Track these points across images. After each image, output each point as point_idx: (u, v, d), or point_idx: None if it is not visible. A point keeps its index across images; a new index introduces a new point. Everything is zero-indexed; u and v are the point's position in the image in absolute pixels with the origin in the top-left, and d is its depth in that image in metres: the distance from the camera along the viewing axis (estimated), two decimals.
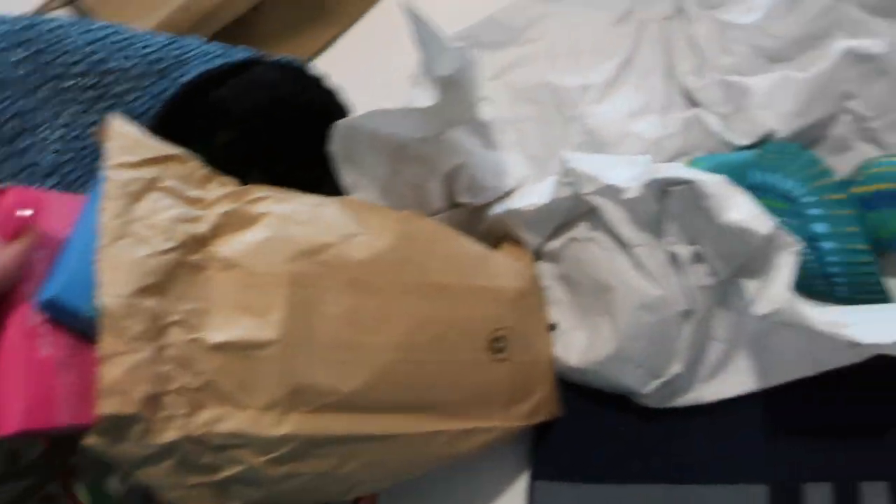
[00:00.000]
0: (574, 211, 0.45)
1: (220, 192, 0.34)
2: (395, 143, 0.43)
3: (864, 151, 0.47)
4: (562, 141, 0.51)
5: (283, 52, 0.62)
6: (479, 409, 0.38)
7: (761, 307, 0.36)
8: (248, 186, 0.35)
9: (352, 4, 0.61)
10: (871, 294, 0.44)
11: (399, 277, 0.36)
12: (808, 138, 0.48)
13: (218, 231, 0.32)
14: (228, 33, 0.62)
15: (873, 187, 0.42)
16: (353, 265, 0.35)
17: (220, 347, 0.30)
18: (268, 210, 0.34)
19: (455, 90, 0.40)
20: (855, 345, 0.35)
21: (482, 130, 0.50)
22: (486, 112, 0.52)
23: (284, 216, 0.34)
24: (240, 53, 0.42)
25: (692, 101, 0.50)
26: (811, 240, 0.43)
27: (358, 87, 0.56)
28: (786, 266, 0.36)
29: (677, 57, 0.51)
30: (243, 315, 0.31)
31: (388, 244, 0.36)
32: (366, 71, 0.58)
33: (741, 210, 0.37)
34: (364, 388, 0.33)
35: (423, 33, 0.38)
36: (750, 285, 0.38)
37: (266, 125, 0.42)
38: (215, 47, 0.42)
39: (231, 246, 0.32)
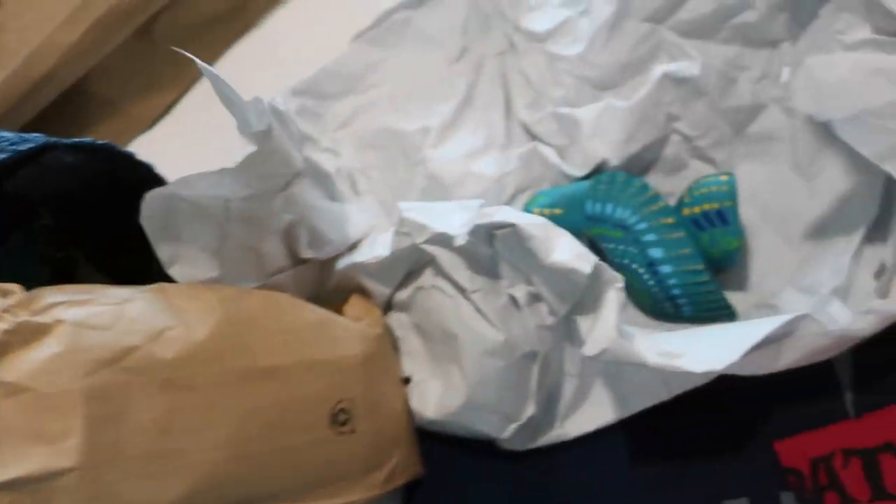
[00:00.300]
0: (418, 259, 0.44)
1: (2, 304, 0.31)
2: (219, 206, 0.41)
3: (699, 169, 0.48)
4: (408, 186, 0.50)
5: (120, 118, 0.60)
6: (330, 487, 0.37)
7: (590, 348, 0.35)
8: (38, 291, 0.33)
9: (187, 68, 0.59)
10: (716, 311, 0.45)
11: (221, 368, 0.34)
12: (643, 162, 0.49)
13: (0, 352, 0.30)
14: (66, 100, 0.60)
15: (699, 208, 0.43)
16: (164, 365, 0.33)
17: (10, 485, 0.28)
18: (60, 318, 0.31)
19: (268, 144, 0.39)
20: (689, 374, 0.35)
21: (324, 182, 0.49)
22: (329, 163, 0.51)
23: (80, 322, 0.32)
24: (33, 140, 0.39)
25: (531, 135, 0.50)
26: (650, 265, 0.44)
27: (196, 151, 0.54)
28: (611, 303, 0.36)
29: (514, 92, 0.51)
30: (35, 444, 0.29)
31: (206, 334, 0.34)
32: (205, 134, 0.56)
33: (564, 251, 0.37)
34: (188, 496, 0.31)
35: (224, 92, 0.37)
36: (583, 324, 0.38)
37: (67, 207, 0.40)
38: (9, 136, 0.40)
39: (17, 367, 0.30)
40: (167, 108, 0.60)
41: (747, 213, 0.47)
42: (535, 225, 0.38)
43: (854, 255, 0.41)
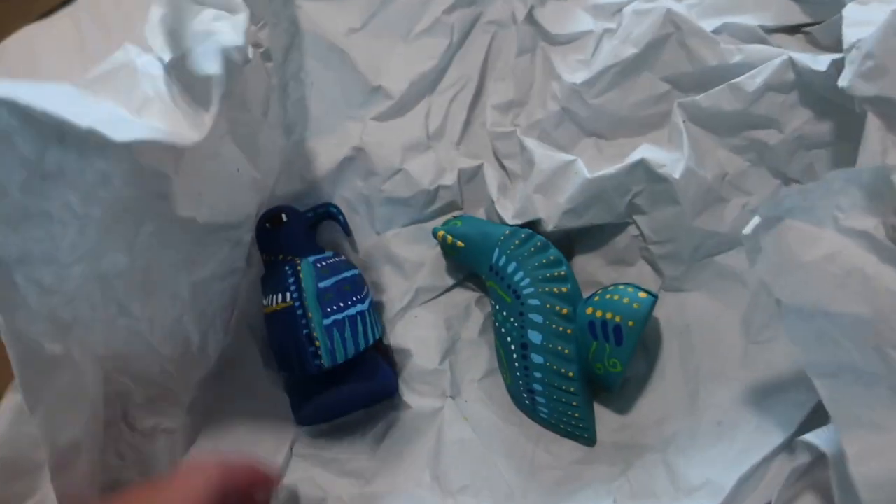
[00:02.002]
0: None
1: None
2: None
3: (643, 274, 0.42)
4: (333, 137, 0.44)
5: None
6: None
7: None
8: None
9: None
10: (573, 428, 0.40)
11: None
12: (592, 239, 0.43)
13: None
14: None
15: (602, 313, 0.37)
16: None
17: None
18: None
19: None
20: None
21: None
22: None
23: None
24: None
25: (491, 144, 0.44)
26: (523, 346, 0.39)
27: None
28: None
29: (491, 82, 0.45)
30: None
31: None
32: None
33: None
34: None
35: None
36: None
37: None
38: None
39: None
40: None
41: (670, 345, 0.41)
42: None
43: (758, 464, 0.35)
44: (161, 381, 0.37)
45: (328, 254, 0.41)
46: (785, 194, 0.30)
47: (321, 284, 0.38)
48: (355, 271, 0.40)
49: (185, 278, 0.38)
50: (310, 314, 0.37)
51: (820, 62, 0.35)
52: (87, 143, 0.29)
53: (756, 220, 0.31)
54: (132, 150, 0.31)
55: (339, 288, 0.38)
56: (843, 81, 0.32)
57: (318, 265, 0.39)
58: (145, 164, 0.32)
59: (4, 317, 0.29)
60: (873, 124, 0.30)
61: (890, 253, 0.29)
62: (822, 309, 0.29)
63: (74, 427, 0.32)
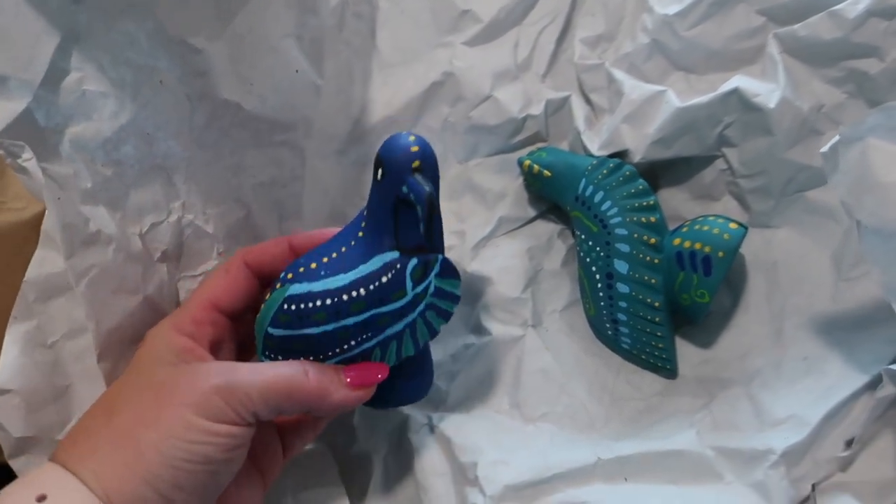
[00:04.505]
0: None
1: None
2: None
3: (729, 209, 0.43)
4: (420, 63, 0.45)
5: None
6: None
7: None
8: None
9: None
10: (655, 359, 0.41)
11: None
12: (674, 173, 0.44)
13: None
14: None
15: (690, 244, 0.38)
16: None
17: None
18: None
19: None
20: None
21: None
22: None
23: None
24: None
25: (577, 77, 0.45)
26: (608, 276, 0.40)
27: None
28: None
29: (579, 16, 0.45)
30: None
31: None
32: None
33: None
34: None
35: None
36: None
37: None
38: None
39: None
40: None
41: (756, 281, 0.42)
42: None
43: (845, 400, 0.35)
44: None
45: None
46: (869, 113, 0.30)
47: None
48: None
49: (247, 180, 0.40)
50: None
51: None
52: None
53: (836, 138, 0.31)
54: (152, 9, 0.33)
55: None
56: None
57: None
58: (170, 30, 0.34)
59: (48, 186, 0.29)
60: None
61: None
62: None
63: (118, 312, 0.33)
